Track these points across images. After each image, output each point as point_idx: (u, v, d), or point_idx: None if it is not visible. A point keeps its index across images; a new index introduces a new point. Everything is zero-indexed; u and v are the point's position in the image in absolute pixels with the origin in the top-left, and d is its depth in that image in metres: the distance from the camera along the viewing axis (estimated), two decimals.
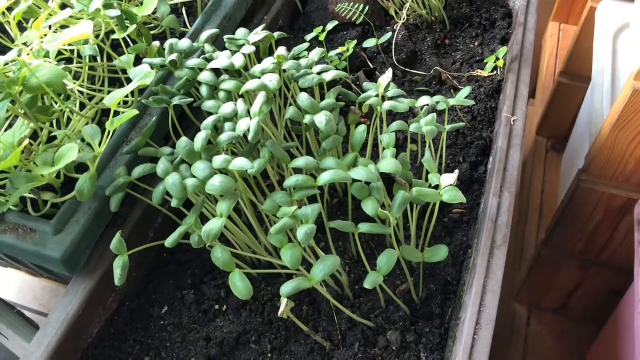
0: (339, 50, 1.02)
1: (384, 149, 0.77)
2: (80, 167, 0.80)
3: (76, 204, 0.75)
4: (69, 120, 0.86)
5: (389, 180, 0.82)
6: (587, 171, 0.93)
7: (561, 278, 1.15)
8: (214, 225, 0.65)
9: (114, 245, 0.69)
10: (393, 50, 1.10)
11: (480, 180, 0.89)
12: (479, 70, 1.04)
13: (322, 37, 1.08)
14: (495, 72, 1.03)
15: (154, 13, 0.98)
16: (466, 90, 0.90)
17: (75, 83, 0.88)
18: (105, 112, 0.91)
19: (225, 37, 0.89)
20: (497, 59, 1.02)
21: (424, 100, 0.84)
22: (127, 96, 0.89)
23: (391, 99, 0.83)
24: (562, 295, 1.20)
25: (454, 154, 0.93)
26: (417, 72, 1.08)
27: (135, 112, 0.72)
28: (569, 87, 1.39)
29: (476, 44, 1.12)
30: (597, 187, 0.94)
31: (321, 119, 0.74)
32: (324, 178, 0.68)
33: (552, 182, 1.47)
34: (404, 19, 1.14)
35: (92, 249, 0.76)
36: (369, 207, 0.68)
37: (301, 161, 0.71)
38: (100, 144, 0.74)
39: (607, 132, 0.86)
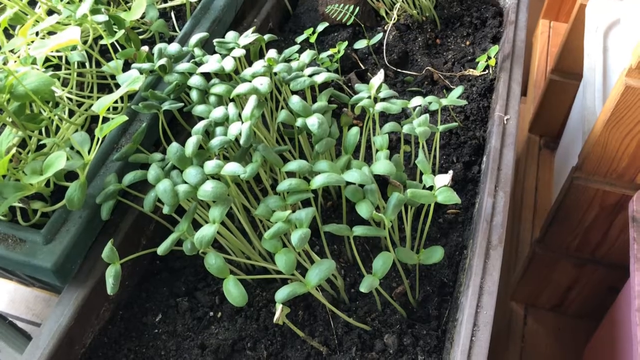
0: (330, 51, 1.02)
1: (377, 150, 0.76)
2: (70, 175, 0.79)
3: (66, 213, 0.74)
4: (58, 127, 0.85)
5: (382, 182, 0.82)
6: (580, 168, 0.93)
7: (557, 276, 1.15)
8: (207, 231, 0.64)
9: (106, 254, 0.68)
10: (384, 50, 1.09)
11: (474, 179, 0.89)
12: (471, 70, 1.04)
13: (312, 39, 1.08)
14: (487, 71, 1.03)
15: (142, 17, 0.98)
16: (458, 90, 0.90)
17: (63, 90, 0.87)
18: (95, 119, 0.90)
19: (215, 40, 0.88)
20: (489, 57, 1.02)
21: (417, 100, 0.84)
22: (116, 102, 0.88)
23: (383, 100, 0.83)
24: (558, 293, 1.20)
25: (448, 154, 0.93)
26: (409, 72, 1.07)
27: (125, 117, 0.71)
28: (561, 84, 1.39)
29: (467, 43, 1.12)
30: (590, 184, 0.94)
31: (313, 122, 0.74)
32: (317, 181, 0.68)
33: (546, 180, 1.47)
34: (394, 19, 1.14)
35: (84, 258, 0.75)
36: (363, 209, 0.67)
37: (294, 165, 0.70)
38: (89, 151, 0.73)
39: (600, 129, 0.86)
